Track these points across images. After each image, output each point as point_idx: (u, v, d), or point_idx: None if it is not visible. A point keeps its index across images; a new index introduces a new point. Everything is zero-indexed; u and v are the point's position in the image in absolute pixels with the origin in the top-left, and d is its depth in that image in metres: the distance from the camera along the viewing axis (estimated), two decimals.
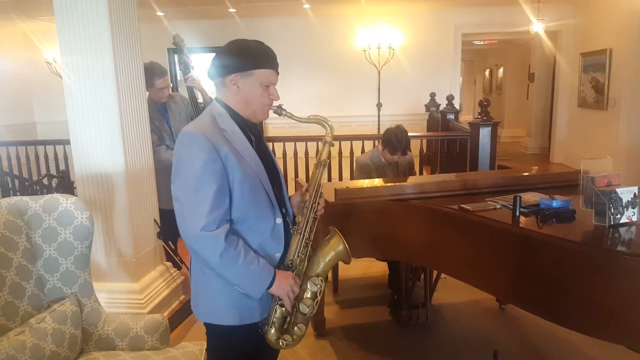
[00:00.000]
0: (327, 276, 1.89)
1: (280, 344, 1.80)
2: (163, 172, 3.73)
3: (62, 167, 5.88)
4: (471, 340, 3.26)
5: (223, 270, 1.65)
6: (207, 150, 1.61)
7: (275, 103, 1.79)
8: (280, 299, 1.75)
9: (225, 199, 1.65)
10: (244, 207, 1.69)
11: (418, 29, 8.51)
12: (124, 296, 3.34)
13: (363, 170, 3.83)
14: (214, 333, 1.84)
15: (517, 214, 2.32)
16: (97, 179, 3.27)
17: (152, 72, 3.66)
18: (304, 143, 5.52)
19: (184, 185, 1.64)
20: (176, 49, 3.72)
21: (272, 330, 1.79)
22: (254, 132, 1.81)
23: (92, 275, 2.32)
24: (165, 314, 3.47)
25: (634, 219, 2.09)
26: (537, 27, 7.66)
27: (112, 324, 2.26)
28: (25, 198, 2.17)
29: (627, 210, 2.08)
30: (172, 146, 3.79)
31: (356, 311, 3.71)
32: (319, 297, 1.82)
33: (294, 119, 1.83)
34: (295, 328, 1.80)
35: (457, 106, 7.56)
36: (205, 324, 1.84)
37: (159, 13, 7.53)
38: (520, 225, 2.27)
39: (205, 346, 2.28)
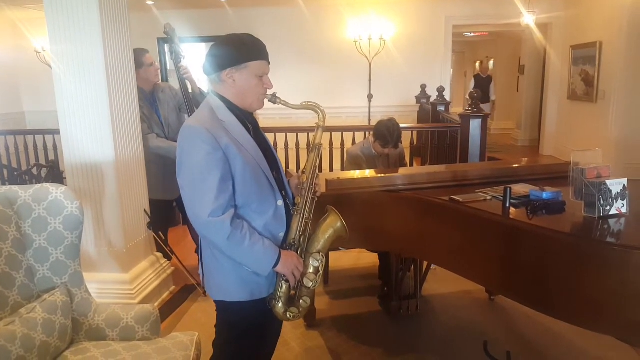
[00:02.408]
0: (327, 250, 2.02)
1: (288, 316, 1.93)
2: (154, 163, 3.71)
3: (51, 157, 5.84)
4: (461, 330, 3.28)
5: (231, 252, 1.79)
6: (209, 141, 1.72)
7: (270, 92, 1.89)
8: (285, 276, 1.87)
9: (228, 186, 1.76)
10: (247, 192, 1.81)
11: (409, 20, 8.49)
12: (114, 286, 3.33)
13: (354, 161, 3.83)
14: (226, 309, 1.97)
15: (507, 205, 2.34)
16: (86, 168, 3.25)
17: (136, 52, 3.61)
18: (295, 134, 5.51)
19: (189, 175, 1.75)
20: (167, 38, 3.69)
21: (280, 304, 1.92)
22: (250, 121, 1.92)
23: (82, 266, 2.31)
24: (156, 304, 3.47)
25: (623, 210, 2.11)
26: (528, 19, 7.68)
27: (103, 314, 2.26)
28: (15, 188, 2.15)
29: (616, 202, 2.10)
30: (161, 136, 3.77)
31: (347, 302, 3.73)
32: (321, 272, 1.96)
33: (288, 106, 1.92)
34: (301, 301, 1.94)
35: (447, 98, 7.57)
36: (217, 302, 1.97)
37: (149, 2, 7.46)
38: (510, 216, 2.29)
39: (196, 336, 2.30)
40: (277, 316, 1.94)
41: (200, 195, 1.72)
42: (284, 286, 1.90)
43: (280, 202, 1.90)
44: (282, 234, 1.91)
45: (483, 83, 10.97)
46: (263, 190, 1.85)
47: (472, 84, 11.12)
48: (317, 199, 1.98)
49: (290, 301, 1.94)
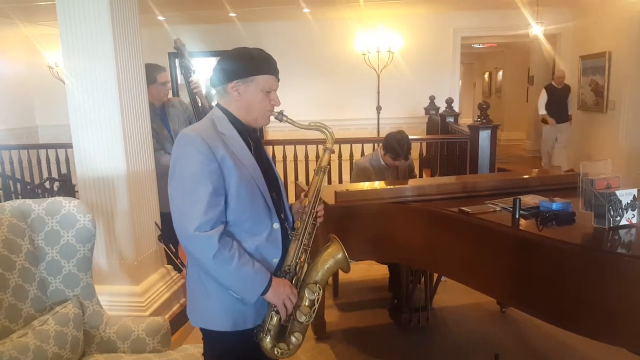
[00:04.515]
0: (326, 282, 1.88)
1: (276, 352, 1.76)
2: (163, 176, 3.74)
3: (63, 170, 5.90)
4: (472, 343, 3.26)
5: (217, 272, 1.65)
6: (204, 151, 1.63)
7: (277, 109, 1.81)
8: (276, 306, 1.72)
9: (220, 201, 1.65)
10: (240, 210, 1.70)
11: (417, 32, 8.53)
12: (125, 299, 3.34)
13: (362, 173, 3.84)
14: (209, 338, 1.83)
15: (517, 216, 2.33)
16: (98, 182, 3.28)
17: (152, 68, 3.67)
18: (304, 146, 5.54)
19: (180, 185, 1.66)
20: (177, 53, 3.74)
21: (268, 339, 1.75)
22: (253, 137, 1.83)
23: (93, 278, 2.33)
24: (166, 316, 3.48)
25: (634, 221, 2.10)
26: (536, 30, 7.67)
27: (114, 326, 2.27)
28: (29, 201, 2.18)
29: (626, 212, 2.09)
30: (170, 151, 3.80)
31: (357, 314, 3.72)
32: (316, 305, 1.79)
33: (295, 125, 1.83)
34: (292, 337, 1.77)
35: (456, 109, 7.57)
36: (201, 329, 1.83)
37: (160, 17, 7.55)
38: (520, 227, 2.28)
39: None
40: (264, 351, 1.76)
41: (189, 207, 1.61)
42: (274, 318, 1.73)
43: (277, 225, 1.77)
44: (276, 260, 1.77)
45: (559, 95, 8.15)
46: (258, 210, 1.73)
47: (544, 97, 8.19)
48: (317, 225, 1.84)
49: (280, 336, 1.76)
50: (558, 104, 8.12)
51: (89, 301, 2.24)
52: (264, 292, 1.68)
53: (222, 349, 1.80)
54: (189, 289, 1.83)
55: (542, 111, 8.27)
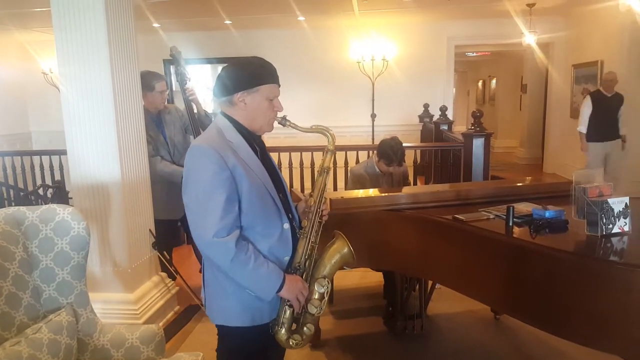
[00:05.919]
0: (333, 276, 2.00)
1: (290, 343, 1.89)
2: (158, 183, 3.74)
3: (57, 177, 5.88)
4: (466, 350, 3.26)
5: (234, 274, 1.76)
6: (216, 161, 1.72)
7: (279, 114, 1.90)
8: (289, 301, 1.83)
9: (234, 207, 1.75)
10: (253, 214, 1.79)
11: (411, 40, 8.59)
12: (119, 306, 3.33)
13: (357, 180, 3.85)
14: (227, 334, 1.94)
15: (511, 224, 2.35)
16: (93, 189, 3.28)
17: (151, 76, 3.68)
18: (299, 153, 5.54)
19: (195, 195, 1.75)
20: (172, 60, 3.74)
21: (282, 331, 1.88)
22: (258, 142, 1.93)
23: (87, 285, 2.32)
24: (161, 324, 3.47)
25: (626, 229, 2.12)
26: (530, 39, 7.74)
27: (108, 334, 2.26)
28: (23, 208, 2.17)
29: (618, 220, 2.11)
30: (167, 157, 3.80)
31: (351, 322, 3.71)
32: (326, 298, 1.92)
33: (297, 129, 1.92)
34: (305, 328, 1.90)
35: (450, 117, 7.61)
36: (218, 326, 1.94)
37: (155, 24, 7.56)
38: (514, 235, 2.29)
39: (201, 356, 2.29)
40: (280, 343, 1.89)
41: (205, 215, 1.71)
42: (288, 312, 1.86)
43: (287, 225, 1.87)
44: (287, 258, 1.88)
45: (609, 105, 6.18)
46: (269, 213, 1.83)
47: (587, 107, 6.23)
48: (323, 222, 1.95)
49: (294, 328, 1.90)
50: (607, 117, 6.18)
51: (82, 309, 2.23)
52: (279, 290, 1.80)
53: (238, 343, 1.92)
54: (208, 290, 1.93)
55: (583, 129, 6.27)
